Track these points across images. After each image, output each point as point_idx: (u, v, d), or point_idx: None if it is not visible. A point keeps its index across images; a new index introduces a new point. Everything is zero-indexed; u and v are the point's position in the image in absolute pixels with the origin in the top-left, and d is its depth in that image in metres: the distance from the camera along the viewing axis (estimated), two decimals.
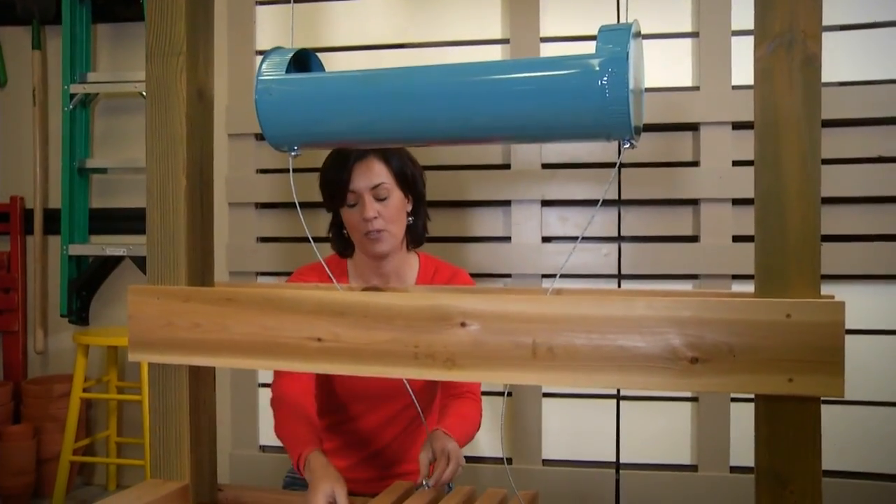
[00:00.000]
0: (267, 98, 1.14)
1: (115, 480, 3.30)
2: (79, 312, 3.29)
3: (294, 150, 1.18)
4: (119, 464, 3.25)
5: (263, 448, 2.81)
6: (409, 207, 1.68)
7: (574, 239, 2.59)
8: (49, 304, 3.40)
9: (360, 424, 1.69)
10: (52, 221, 3.33)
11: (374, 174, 1.60)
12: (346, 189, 1.60)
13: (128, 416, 3.34)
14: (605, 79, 0.97)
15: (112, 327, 3.24)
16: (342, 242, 1.70)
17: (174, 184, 1.25)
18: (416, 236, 1.71)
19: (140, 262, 3.17)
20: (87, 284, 3.29)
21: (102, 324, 3.33)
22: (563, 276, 2.55)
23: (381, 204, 1.60)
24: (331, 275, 1.30)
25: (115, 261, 3.29)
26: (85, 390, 3.06)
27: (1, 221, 3.42)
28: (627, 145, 1.02)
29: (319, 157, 1.66)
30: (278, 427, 1.57)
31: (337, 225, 1.69)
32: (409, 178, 1.65)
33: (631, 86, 0.97)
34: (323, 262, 1.29)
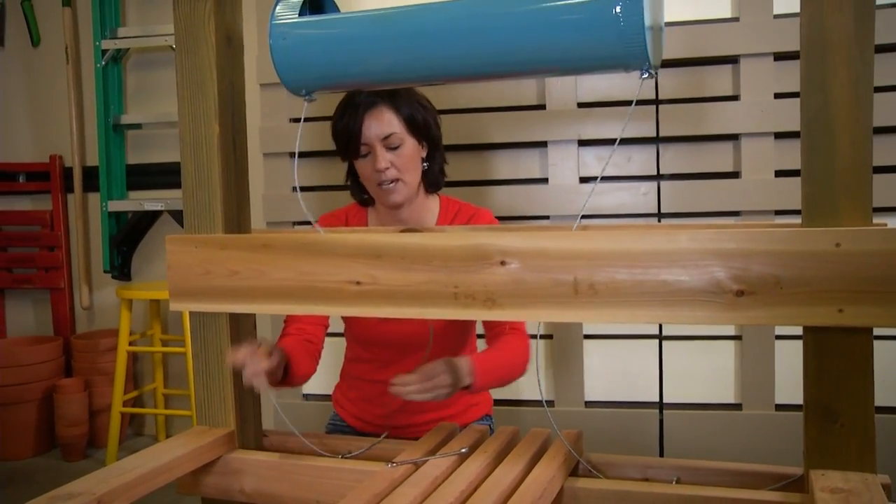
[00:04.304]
0: (281, 42, 1.11)
1: (165, 431, 3.38)
2: (121, 268, 3.34)
3: (309, 95, 1.16)
4: (167, 414, 3.32)
5: (307, 396, 2.85)
6: (424, 153, 1.64)
7: (612, 179, 2.55)
8: (92, 260, 3.46)
9: (393, 371, 1.68)
10: (91, 179, 3.37)
11: (385, 124, 1.55)
12: (358, 140, 1.57)
13: (173, 369, 3.40)
14: (620, 8, 0.94)
15: (154, 282, 3.29)
16: (360, 191, 1.68)
17: (206, 130, 1.24)
18: (432, 181, 1.67)
19: (178, 217, 3.19)
20: (127, 240, 3.33)
21: (144, 279, 3.38)
22: (602, 216, 2.52)
23: (393, 153, 1.56)
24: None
25: (154, 216, 3.32)
26: (131, 344, 3.13)
27: (42, 180, 3.46)
28: (645, 75, 0.99)
29: None
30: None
31: (354, 174, 1.66)
32: (421, 125, 1.59)
33: (648, 19, 0.93)
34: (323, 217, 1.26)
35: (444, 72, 1.09)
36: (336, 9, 1.20)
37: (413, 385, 1.38)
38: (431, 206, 1.70)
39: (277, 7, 1.12)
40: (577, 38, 0.98)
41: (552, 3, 0.99)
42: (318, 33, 1.11)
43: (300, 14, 1.12)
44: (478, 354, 1.54)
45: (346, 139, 1.58)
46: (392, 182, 1.56)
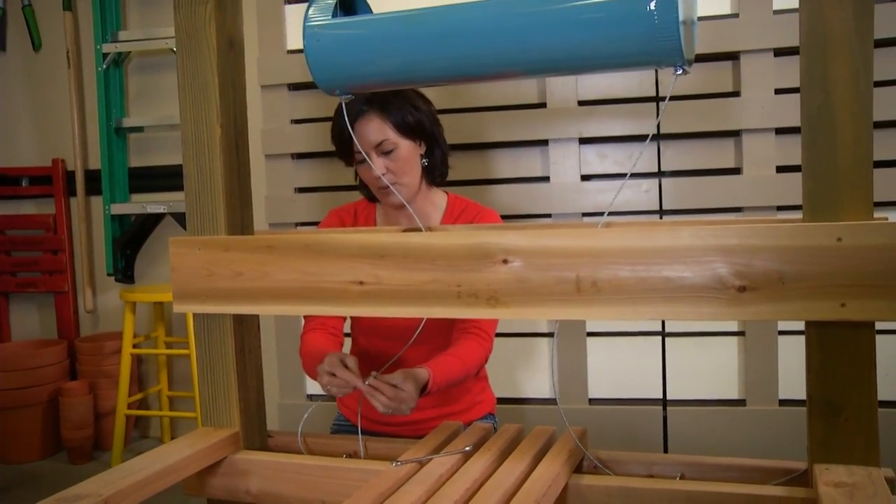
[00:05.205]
0: (315, 44, 1.12)
1: (170, 433, 3.38)
2: (124, 271, 3.34)
3: (344, 94, 1.17)
4: (172, 416, 3.33)
5: (311, 397, 2.85)
6: (423, 150, 1.65)
7: (614, 176, 2.55)
8: (95, 263, 3.47)
9: (398, 368, 1.68)
10: (94, 182, 3.38)
11: (375, 132, 1.56)
12: (351, 148, 1.58)
13: (177, 371, 3.41)
14: (654, 4, 0.94)
15: (157, 284, 3.30)
16: (368, 189, 1.69)
17: (209, 133, 1.24)
18: (435, 174, 1.68)
19: (181, 219, 3.20)
20: (130, 243, 3.34)
21: (147, 281, 3.38)
22: (603, 213, 2.51)
23: (387, 158, 1.57)
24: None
25: (157, 218, 3.33)
26: (135, 346, 3.13)
27: (45, 184, 3.47)
28: (680, 72, 0.99)
29: None
30: (306, 365, 1.60)
31: None
32: (414, 126, 1.60)
33: (681, 13, 0.93)
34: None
35: (476, 71, 1.09)
36: (368, 9, 1.21)
37: (384, 399, 1.39)
38: (438, 201, 1.71)
39: (310, 9, 1.13)
40: (612, 35, 0.97)
41: (584, 2, 0.99)
42: (351, 34, 1.12)
43: (333, 16, 1.12)
44: (439, 368, 1.52)
45: (341, 148, 1.59)
46: (389, 185, 1.57)
